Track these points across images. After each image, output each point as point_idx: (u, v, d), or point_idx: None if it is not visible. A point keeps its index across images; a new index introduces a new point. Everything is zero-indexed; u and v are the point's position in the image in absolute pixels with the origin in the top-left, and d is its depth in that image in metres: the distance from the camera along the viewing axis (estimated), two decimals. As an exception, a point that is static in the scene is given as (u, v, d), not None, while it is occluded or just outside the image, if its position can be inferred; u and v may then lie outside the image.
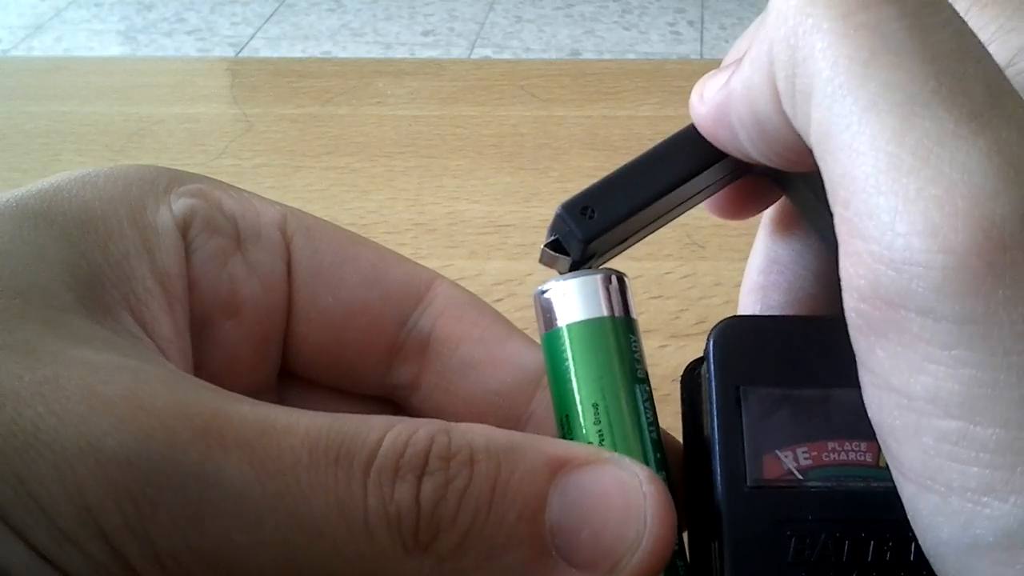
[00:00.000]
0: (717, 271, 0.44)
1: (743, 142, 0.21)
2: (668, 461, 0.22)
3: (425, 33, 2.03)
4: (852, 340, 0.18)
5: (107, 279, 0.21)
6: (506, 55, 1.93)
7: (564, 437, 0.22)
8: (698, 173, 0.22)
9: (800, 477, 0.21)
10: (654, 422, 0.22)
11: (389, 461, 0.18)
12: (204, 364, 0.23)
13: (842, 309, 0.24)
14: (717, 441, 0.21)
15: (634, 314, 0.22)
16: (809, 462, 0.21)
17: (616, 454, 0.20)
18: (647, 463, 0.21)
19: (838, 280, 0.25)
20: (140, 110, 0.57)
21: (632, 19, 2.06)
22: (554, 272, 0.23)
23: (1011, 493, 0.16)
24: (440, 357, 0.25)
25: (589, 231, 0.21)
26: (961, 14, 0.19)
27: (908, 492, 0.18)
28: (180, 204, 0.23)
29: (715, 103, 0.21)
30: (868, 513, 0.20)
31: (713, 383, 0.21)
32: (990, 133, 0.16)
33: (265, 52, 1.96)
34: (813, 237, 0.25)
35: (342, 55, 1.94)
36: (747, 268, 0.26)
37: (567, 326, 0.22)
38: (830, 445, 0.21)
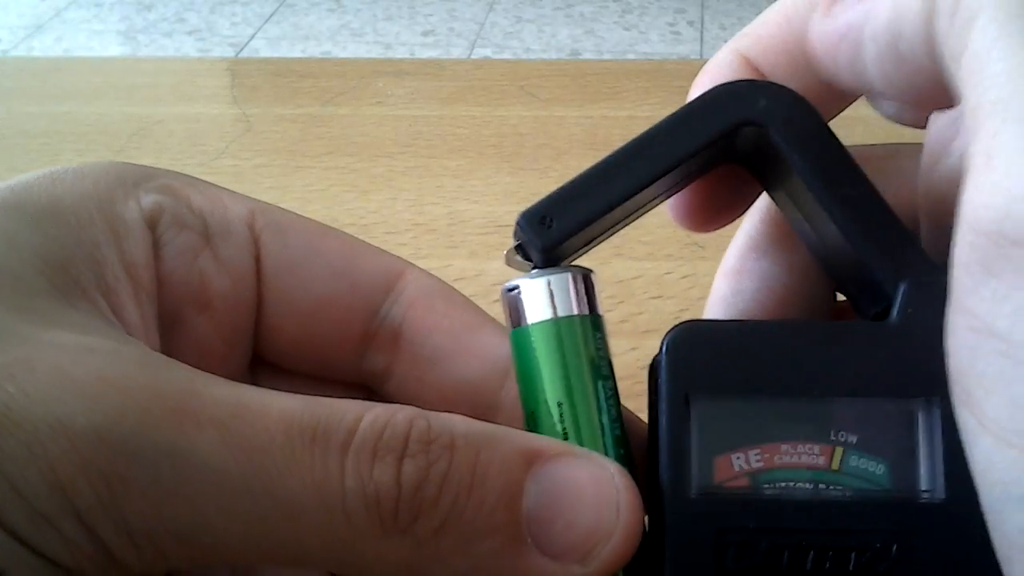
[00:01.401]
0: (717, 271, 0.44)
1: (867, 63, 0.20)
2: (633, 456, 0.22)
3: (425, 33, 2.03)
4: (954, 278, 0.17)
5: (80, 262, 0.21)
6: (506, 55, 1.93)
7: (530, 431, 0.22)
8: (658, 178, 0.22)
9: (751, 480, 0.21)
10: (617, 418, 0.22)
11: (367, 442, 0.18)
12: (175, 357, 0.23)
13: (807, 308, 0.24)
14: (663, 450, 0.21)
15: (600, 311, 0.22)
16: (761, 464, 0.21)
17: (585, 450, 0.21)
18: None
19: (813, 272, 0.25)
20: (140, 110, 0.57)
21: (632, 19, 2.06)
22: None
23: None
24: (411, 347, 0.25)
25: (547, 240, 0.22)
26: None
27: (984, 445, 0.17)
28: (148, 200, 0.23)
29: (847, 19, 0.20)
30: (811, 523, 0.20)
31: (664, 390, 0.21)
32: None
33: (265, 52, 1.96)
34: (793, 231, 0.25)
35: (342, 55, 1.94)
36: (727, 251, 0.26)
37: (534, 324, 0.22)
38: (783, 447, 0.21)
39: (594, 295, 0.22)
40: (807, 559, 0.20)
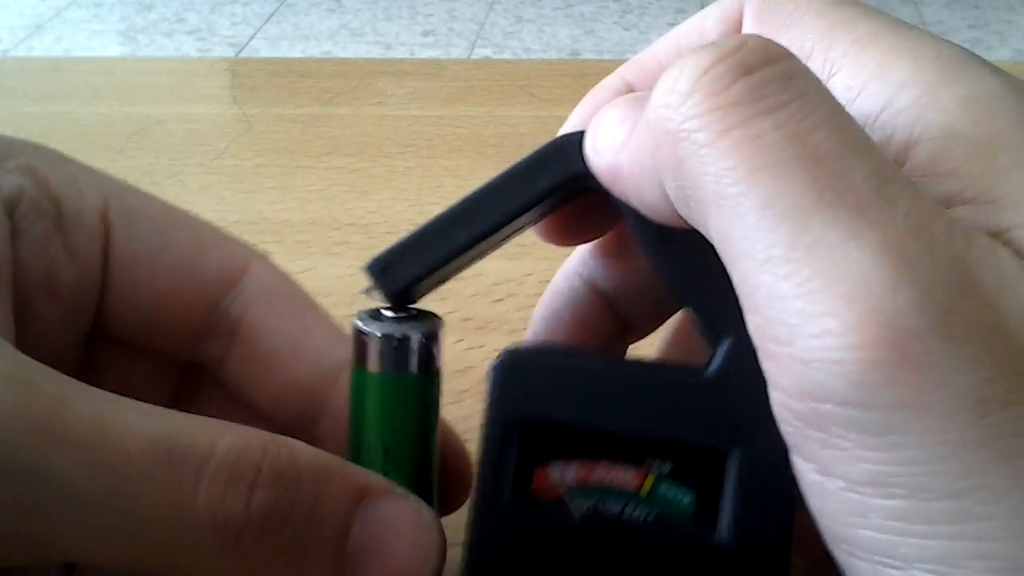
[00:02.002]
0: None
1: (635, 204, 0.21)
2: (438, 503, 0.24)
3: (425, 33, 2.03)
4: (784, 433, 0.18)
5: None
6: (506, 55, 1.93)
7: (353, 460, 0.23)
8: (497, 229, 0.23)
9: (563, 495, 0.22)
10: (434, 468, 0.24)
11: (223, 468, 0.19)
12: (20, 337, 0.24)
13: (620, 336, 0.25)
14: (482, 459, 0.22)
15: (439, 364, 0.24)
16: (575, 480, 0.22)
17: (406, 491, 0.22)
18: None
19: (646, 289, 0.25)
20: (140, 110, 0.57)
21: (632, 19, 2.06)
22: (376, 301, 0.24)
23: (972, 558, 0.16)
24: (247, 344, 0.26)
25: (391, 288, 0.23)
26: (840, 55, 0.20)
27: (864, 571, 0.18)
28: (10, 183, 0.23)
29: (608, 163, 0.21)
30: (606, 543, 0.22)
31: (489, 408, 0.22)
32: (879, 228, 0.16)
33: (265, 52, 1.96)
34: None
35: (342, 55, 1.94)
36: (573, 253, 0.27)
37: (373, 373, 0.23)
38: (598, 467, 0.22)
39: (436, 352, 0.23)
40: None
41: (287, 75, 0.61)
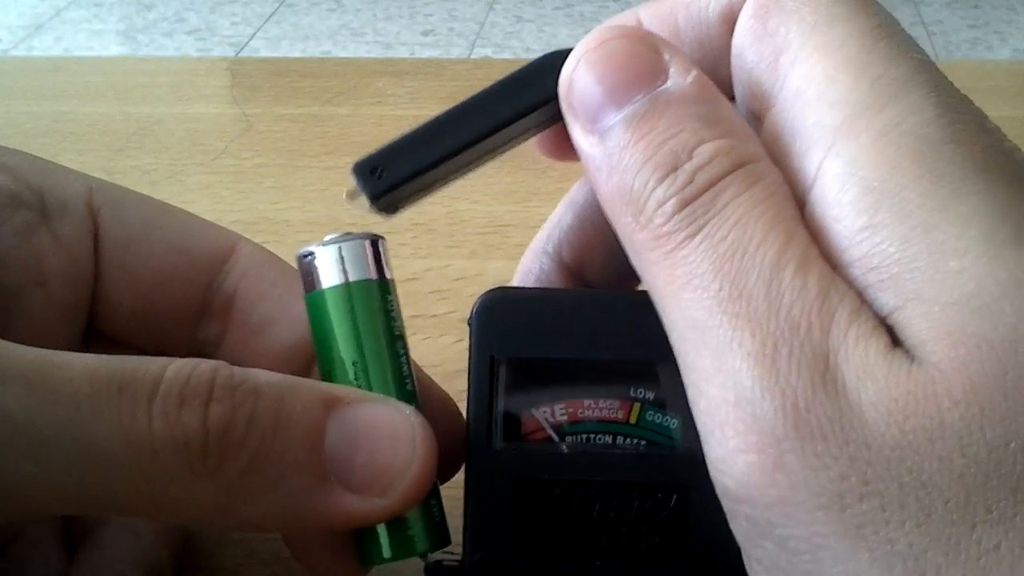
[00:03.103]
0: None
1: None
2: (422, 408, 0.23)
3: (425, 33, 2.03)
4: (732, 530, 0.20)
5: None
6: (506, 55, 1.93)
7: None
8: (485, 137, 0.23)
9: (555, 434, 0.23)
10: (409, 375, 0.23)
11: (174, 389, 0.19)
12: (10, 331, 0.23)
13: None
14: (471, 407, 0.23)
15: (390, 275, 0.24)
16: (565, 418, 0.23)
17: (381, 395, 0.22)
18: None
19: None
20: (140, 110, 0.57)
21: (632, 19, 2.06)
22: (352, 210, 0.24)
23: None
24: (242, 315, 0.26)
25: (376, 190, 0.23)
26: (806, 57, 0.20)
27: None
28: None
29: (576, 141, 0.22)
30: (600, 474, 0.22)
31: (472, 352, 0.23)
32: (758, 332, 0.18)
33: (265, 52, 1.96)
34: None
35: (342, 55, 1.94)
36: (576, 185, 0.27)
37: (327, 290, 0.23)
38: (586, 403, 0.23)
39: (384, 261, 0.24)
40: (594, 507, 0.22)
41: (287, 75, 0.61)
